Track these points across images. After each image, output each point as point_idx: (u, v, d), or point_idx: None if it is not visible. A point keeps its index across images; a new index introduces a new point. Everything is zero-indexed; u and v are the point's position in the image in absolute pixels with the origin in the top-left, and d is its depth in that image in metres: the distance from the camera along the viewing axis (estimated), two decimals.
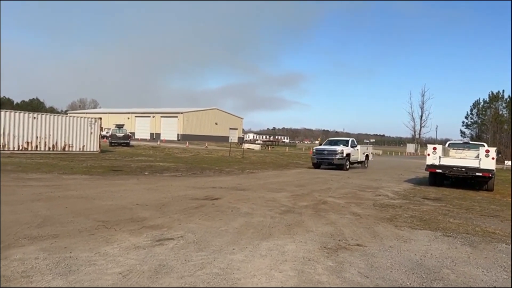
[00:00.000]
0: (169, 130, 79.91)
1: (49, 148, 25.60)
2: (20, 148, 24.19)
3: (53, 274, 4.49)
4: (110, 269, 4.74)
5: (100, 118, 29.46)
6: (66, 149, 26.44)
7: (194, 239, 6.33)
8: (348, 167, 25.17)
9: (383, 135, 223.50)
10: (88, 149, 27.61)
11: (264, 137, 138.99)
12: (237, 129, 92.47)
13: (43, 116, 26.05)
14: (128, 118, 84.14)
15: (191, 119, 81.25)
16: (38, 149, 24.99)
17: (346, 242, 6.69)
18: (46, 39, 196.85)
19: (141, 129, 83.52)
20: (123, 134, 42.36)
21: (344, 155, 24.75)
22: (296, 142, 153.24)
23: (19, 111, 25.79)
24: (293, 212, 9.21)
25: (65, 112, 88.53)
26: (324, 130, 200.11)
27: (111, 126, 55.00)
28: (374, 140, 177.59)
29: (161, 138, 71.74)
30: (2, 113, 23.89)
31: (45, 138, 25.44)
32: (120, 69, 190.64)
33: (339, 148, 25.15)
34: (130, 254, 5.40)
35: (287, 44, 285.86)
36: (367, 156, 29.39)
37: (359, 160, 27.66)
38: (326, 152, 25.26)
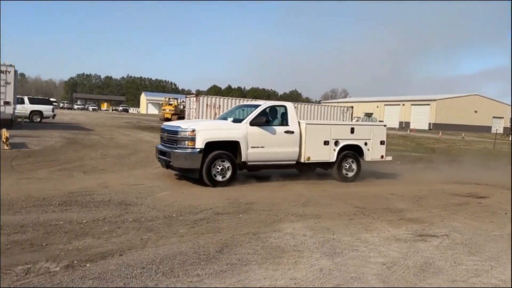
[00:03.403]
0: (420, 119, 75.60)
1: None
2: None
3: (320, 253, 4.75)
4: (372, 257, 4.68)
5: (352, 107, 30.46)
6: None
7: (462, 240, 5.62)
8: (226, 178, 8.81)
9: None
10: None
11: None
12: (502, 117, 79.39)
13: (302, 105, 28.85)
14: (377, 107, 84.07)
15: (446, 107, 74.56)
16: None
17: None
18: (303, 36, 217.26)
19: (390, 117, 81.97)
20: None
21: (200, 145, 8.61)
22: None
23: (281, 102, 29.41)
24: None
25: (319, 102, 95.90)
26: None
27: (360, 114, 56.23)
28: None
29: (411, 127, 68.73)
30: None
31: None
32: (369, 58, 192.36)
33: (189, 126, 8.96)
34: (391, 245, 5.21)
35: None
36: (351, 149, 10.41)
37: (305, 158, 9.80)
38: (166, 136, 9.53)
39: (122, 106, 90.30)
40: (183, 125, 9.10)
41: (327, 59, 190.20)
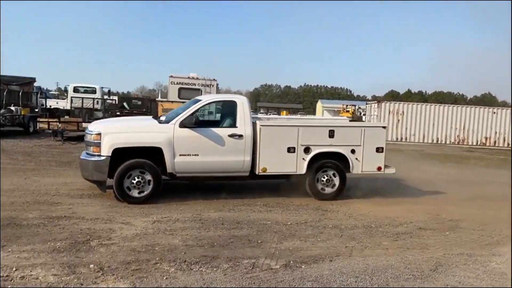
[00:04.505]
0: None
1: (508, 144, 24.39)
2: (479, 143, 24.44)
3: None
4: None
5: None
6: None
7: None
8: (144, 193, 6.85)
9: None
10: None
11: None
12: None
13: (503, 110, 25.10)
14: None
15: None
16: (496, 144, 24.38)
17: None
18: (502, 31, 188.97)
19: None
20: None
21: (106, 152, 6.79)
22: None
23: (478, 106, 26.09)
24: None
25: None
26: None
27: None
28: None
29: None
30: (459, 108, 24.99)
31: (504, 133, 24.46)
32: None
33: (95, 128, 7.19)
34: None
35: None
36: (330, 158, 7.72)
37: (260, 169, 7.41)
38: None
39: (299, 113, 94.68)
40: (91, 126, 7.42)
41: None
